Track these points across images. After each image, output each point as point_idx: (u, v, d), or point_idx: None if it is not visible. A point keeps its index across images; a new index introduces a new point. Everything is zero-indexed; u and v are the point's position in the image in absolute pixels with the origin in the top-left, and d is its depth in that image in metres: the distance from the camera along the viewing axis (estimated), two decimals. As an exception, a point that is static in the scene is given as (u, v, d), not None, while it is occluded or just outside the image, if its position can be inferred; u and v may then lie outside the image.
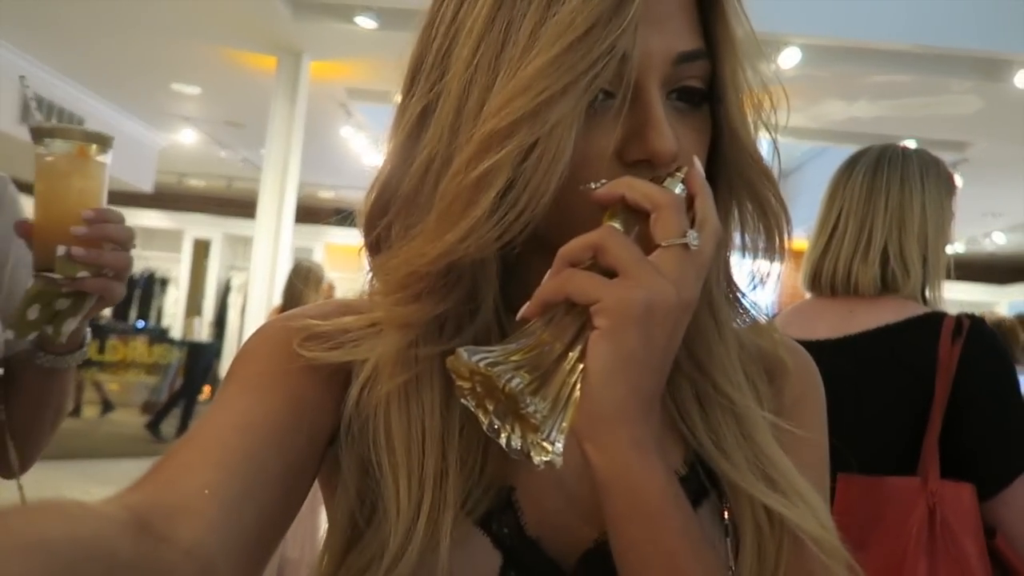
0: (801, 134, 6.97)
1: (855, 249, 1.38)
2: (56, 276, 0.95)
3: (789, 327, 1.52)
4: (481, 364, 0.44)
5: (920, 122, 6.25)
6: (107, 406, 8.38)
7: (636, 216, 0.50)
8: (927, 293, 1.38)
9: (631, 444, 0.46)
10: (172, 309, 11.77)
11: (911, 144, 5.74)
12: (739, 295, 0.62)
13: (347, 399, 0.56)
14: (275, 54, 5.66)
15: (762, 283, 0.61)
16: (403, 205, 0.54)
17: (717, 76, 0.55)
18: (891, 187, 1.38)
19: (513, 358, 0.45)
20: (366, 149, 8.10)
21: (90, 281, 0.96)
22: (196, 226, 11.65)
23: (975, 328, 1.26)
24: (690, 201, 0.51)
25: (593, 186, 0.51)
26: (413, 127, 0.54)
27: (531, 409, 0.44)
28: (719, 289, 0.60)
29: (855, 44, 4.96)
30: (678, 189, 0.51)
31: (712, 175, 0.57)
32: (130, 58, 6.39)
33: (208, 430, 0.50)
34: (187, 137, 8.70)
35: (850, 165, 1.46)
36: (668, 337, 0.47)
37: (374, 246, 0.57)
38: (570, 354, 0.46)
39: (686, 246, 0.48)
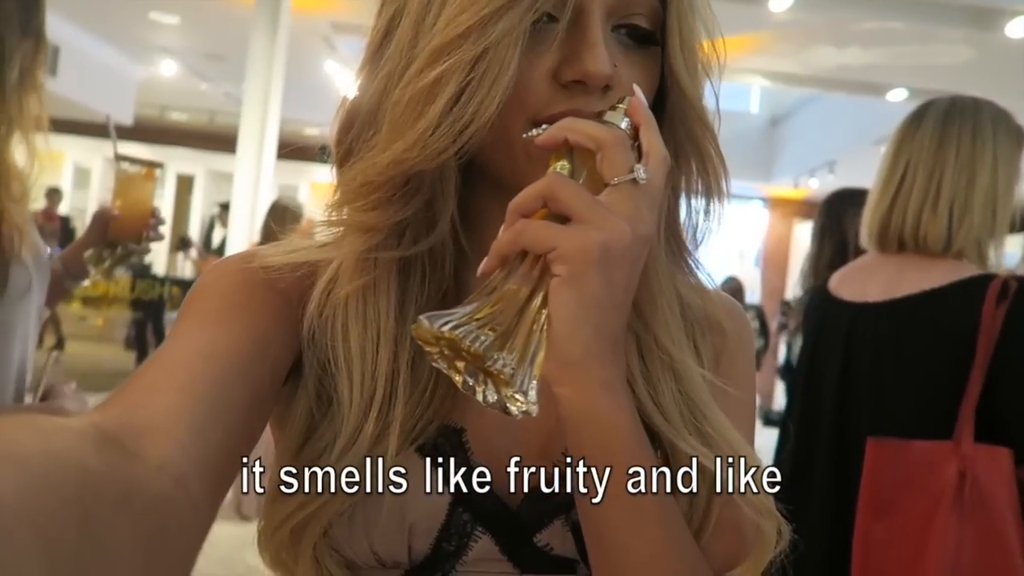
0: (791, 80, 6.89)
1: (923, 200, 1.32)
2: (137, 247, 1.67)
3: (842, 287, 1.48)
4: (444, 329, 0.44)
5: (910, 71, 6.19)
6: (60, 343, 8.36)
7: (583, 156, 0.49)
8: (989, 250, 1.33)
9: (601, 385, 0.47)
10: (155, 244, 11.63)
11: (902, 93, 5.66)
12: (686, 252, 0.62)
13: (309, 304, 0.57)
14: (255, -17, 5.50)
15: (703, 240, 0.61)
16: (365, 119, 0.56)
17: (664, 20, 0.55)
18: (963, 137, 1.32)
19: (477, 317, 0.45)
20: (352, 85, 7.89)
21: (146, 248, 1.70)
22: (179, 161, 11.46)
23: (1022, 291, 1.22)
24: (635, 133, 0.50)
25: (535, 132, 0.50)
26: (377, 47, 0.57)
27: (499, 365, 0.44)
28: (661, 237, 0.59)
29: (848, -12, 4.88)
30: (624, 124, 0.50)
31: (659, 125, 0.57)
32: (106, -16, 6.20)
33: (172, 357, 0.50)
34: (167, 69, 8.49)
35: (918, 116, 1.39)
36: (628, 275, 0.47)
37: (342, 161, 0.59)
38: (532, 303, 0.46)
39: (635, 181, 0.48)
